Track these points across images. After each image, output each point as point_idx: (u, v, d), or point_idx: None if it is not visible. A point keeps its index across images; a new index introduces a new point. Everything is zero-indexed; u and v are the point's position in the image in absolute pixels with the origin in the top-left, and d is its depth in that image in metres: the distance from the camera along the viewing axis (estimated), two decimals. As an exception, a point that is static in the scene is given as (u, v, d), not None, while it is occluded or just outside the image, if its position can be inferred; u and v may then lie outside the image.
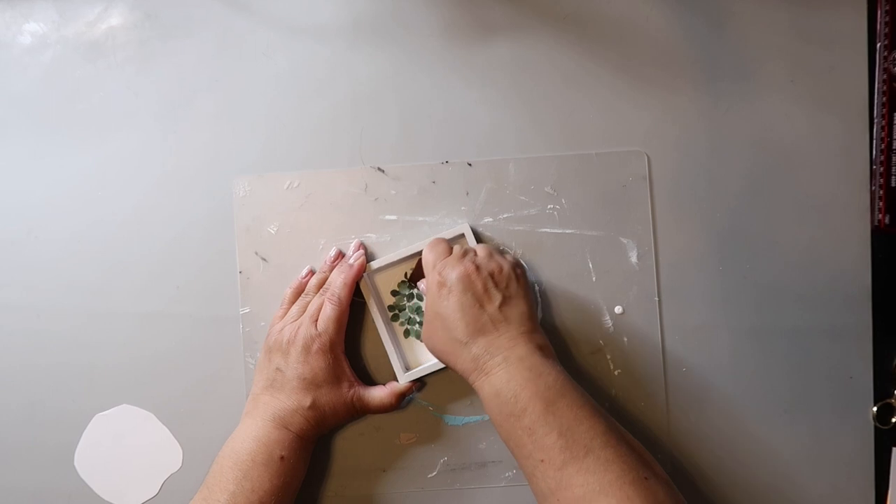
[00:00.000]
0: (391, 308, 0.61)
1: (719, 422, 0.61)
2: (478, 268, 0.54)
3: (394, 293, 0.61)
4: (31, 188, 0.63)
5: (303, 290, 0.61)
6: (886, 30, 0.60)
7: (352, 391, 0.58)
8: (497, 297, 0.53)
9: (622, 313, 0.61)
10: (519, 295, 0.54)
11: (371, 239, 0.62)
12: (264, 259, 0.62)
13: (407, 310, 0.61)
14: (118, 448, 0.62)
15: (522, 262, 0.60)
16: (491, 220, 0.62)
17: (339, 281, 0.59)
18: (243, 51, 0.63)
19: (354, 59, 0.63)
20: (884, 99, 0.60)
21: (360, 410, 0.59)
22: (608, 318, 0.61)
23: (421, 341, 0.60)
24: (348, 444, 0.61)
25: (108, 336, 0.62)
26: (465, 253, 0.55)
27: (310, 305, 0.59)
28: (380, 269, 0.61)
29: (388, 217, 0.62)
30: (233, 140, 0.63)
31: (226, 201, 0.62)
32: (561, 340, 0.61)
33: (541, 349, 0.52)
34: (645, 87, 0.62)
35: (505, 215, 0.62)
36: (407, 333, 0.61)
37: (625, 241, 0.61)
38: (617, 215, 0.61)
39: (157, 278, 0.62)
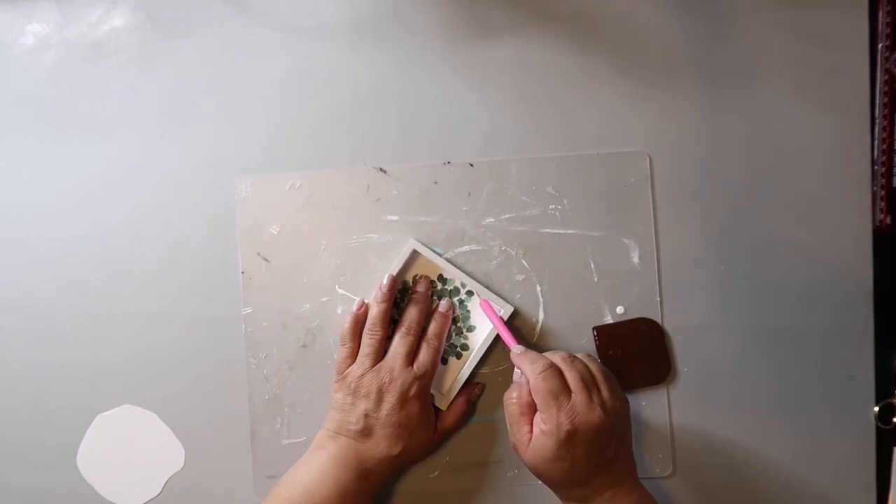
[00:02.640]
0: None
1: (720, 421, 0.61)
2: (608, 417, 0.51)
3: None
4: (33, 188, 0.63)
5: (362, 324, 0.59)
6: (888, 30, 0.60)
7: (437, 425, 0.59)
8: (616, 443, 0.53)
9: (624, 313, 0.61)
10: (630, 433, 0.55)
11: (373, 239, 0.62)
12: (266, 259, 0.62)
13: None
14: (120, 448, 0.62)
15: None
16: (493, 220, 0.62)
17: (434, 330, 0.59)
18: (245, 51, 0.63)
19: (356, 59, 0.63)
20: (885, 99, 0.60)
21: (440, 441, 0.60)
22: (610, 318, 0.61)
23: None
24: (350, 444, 0.61)
25: (110, 336, 0.62)
26: (589, 392, 0.52)
27: (396, 346, 0.58)
28: (427, 257, 0.61)
29: (389, 217, 0.62)
30: (235, 140, 0.63)
31: (228, 202, 0.62)
32: (562, 340, 0.61)
33: (639, 481, 0.54)
34: (646, 88, 0.62)
35: (507, 216, 0.62)
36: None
37: (626, 241, 0.61)
38: (618, 216, 0.61)
39: (159, 278, 0.62)
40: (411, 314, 0.59)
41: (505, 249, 0.62)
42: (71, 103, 0.63)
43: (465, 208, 0.62)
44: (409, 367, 0.57)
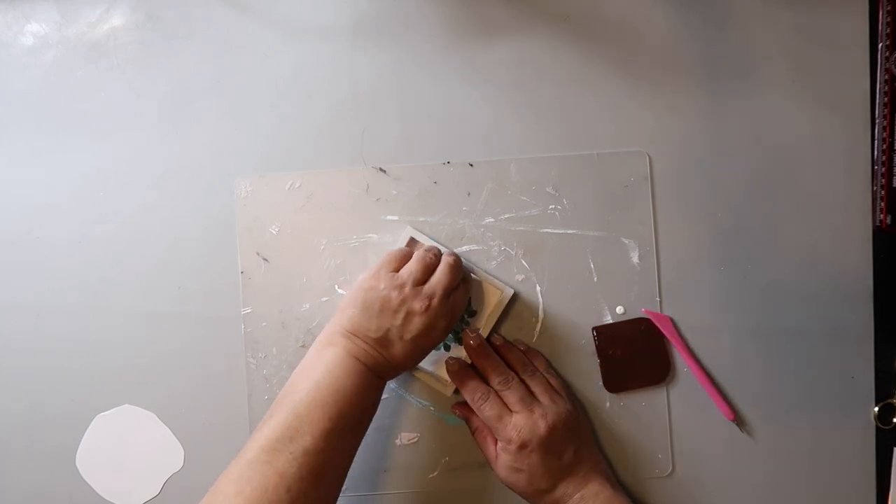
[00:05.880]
0: None
1: (720, 421, 0.61)
2: (553, 426, 0.55)
3: None
4: (32, 188, 0.63)
5: (406, 259, 0.58)
6: (888, 30, 0.60)
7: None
8: (572, 446, 0.56)
9: (624, 313, 0.61)
10: (588, 435, 0.59)
11: (373, 239, 0.62)
12: (266, 259, 0.62)
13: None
14: (120, 448, 0.62)
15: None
16: (492, 220, 0.62)
17: (459, 303, 0.58)
18: (245, 51, 0.63)
19: (356, 59, 0.63)
20: (885, 99, 0.60)
21: None
22: (610, 318, 0.61)
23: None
24: (350, 445, 0.61)
25: (109, 336, 0.62)
26: (530, 407, 0.56)
27: (440, 277, 0.56)
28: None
29: (389, 217, 0.62)
30: (234, 140, 0.63)
31: (227, 202, 0.62)
32: (562, 341, 0.61)
33: (608, 480, 0.57)
34: (646, 88, 0.62)
35: (506, 216, 0.62)
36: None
37: (626, 241, 0.61)
38: (618, 215, 0.61)
39: (159, 278, 0.62)
40: (453, 253, 0.59)
41: (504, 249, 0.62)
42: (70, 103, 0.63)
43: (464, 208, 0.62)
44: (446, 300, 0.55)
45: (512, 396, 0.57)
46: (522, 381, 0.58)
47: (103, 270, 0.63)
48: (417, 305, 0.54)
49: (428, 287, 0.55)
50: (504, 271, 0.62)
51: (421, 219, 0.62)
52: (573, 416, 0.57)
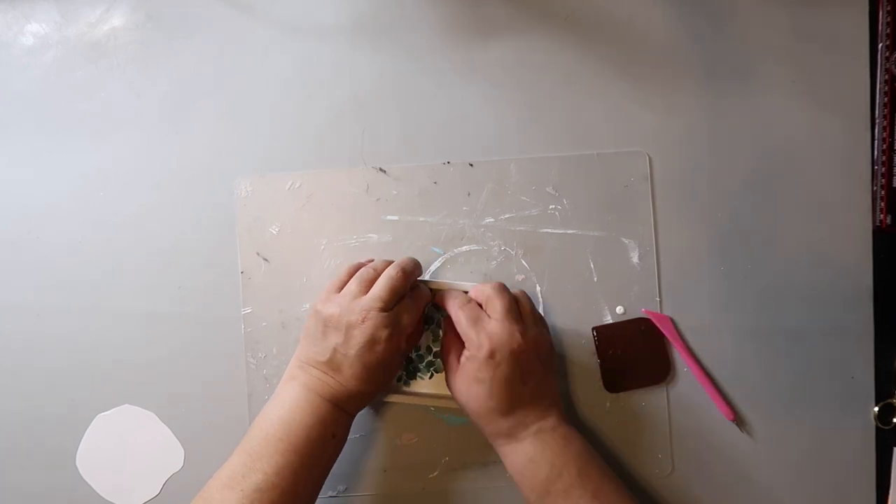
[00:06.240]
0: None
1: (720, 421, 0.61)
2: (527, 343, 0.53)
3: None
4: (32, 188, 0.63)
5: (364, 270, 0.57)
6: (888, 30, 0.60)
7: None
8: (538, 374, 0.54)
9: (624, 313, 0.61)
10: (552, 368, 0.57)
11: (373, 239, 0.62)
12: (266, 259, 0.62)
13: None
14: (120, 448, 0.62)
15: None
16: (492, 220, 0.62)
17: (416, 310, 0.56)
18: (245, 51, 0.63)
19: (356, 59, 0.63)
20: (885, 99, 0.60)
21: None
22: (610, 318, 0.61)
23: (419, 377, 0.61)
24: (349, 444, 0.61)
25: (109, 336, 0.62)
26: (510, 319, 0.54)
27: (378, 289, 0.54)
28: None
29: (389, 217, 0.62)
30: (234, 140, 0.63)
31: (227, 202, 0.62)
32: (562, 340, 0.61)
33: (564, 418, 0.55)
34: (646, 88, 0.62)
35: (506, 216, 0.62)
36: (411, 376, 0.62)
37: (626, 241, 0.61)
38: (618, 216, 0.61)
39: (159, 278, 0.62)
40: (405, 261, 0.57)
41: (505, 249, 0.62)
42: (70, 103, 0.63)
43: (464, 208, 0.62)
44: (388, 311, 0.54)
45: (498, 303, 0.54)
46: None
47: (103, 270, 0.63)
48: (354, 318, 0.53)
49: (364, 299, 0.54)
50: (504, 271, 0.62)
51: (421, 219, 0.62)
52: (549, 346, 0.56)
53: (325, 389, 0.54)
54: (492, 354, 0.53)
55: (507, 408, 0.53)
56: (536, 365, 0.54)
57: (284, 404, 0.53)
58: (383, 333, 0.53)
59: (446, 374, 0.56)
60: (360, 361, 0.53)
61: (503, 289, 0.56)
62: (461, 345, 0.55)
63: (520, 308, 0.56)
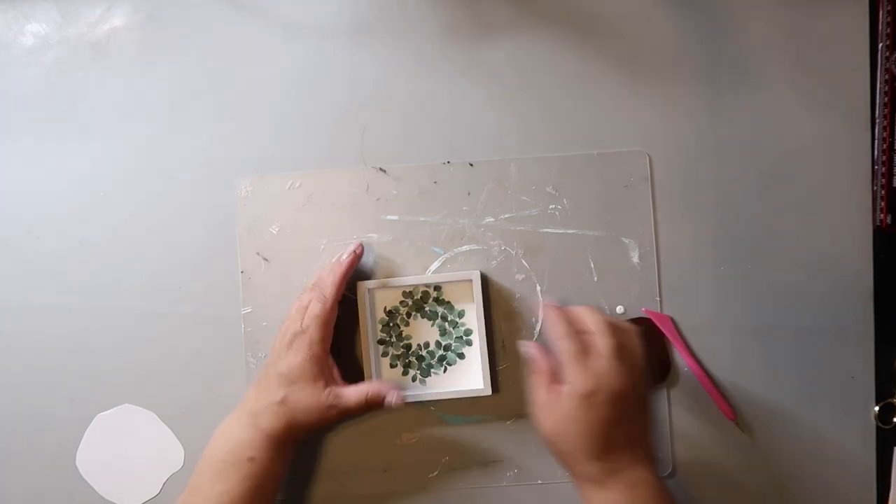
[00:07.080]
0: (381, 342, 0.61)
1: (720, 421, 0.61)
2: (633, 388, 0.50)
3: (388, 313, 0.61)
4: (32, 188, 0.63)
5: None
6: (888, 30, 0.60)
7: (328, 390, 0.55)
8: (637, 421, 0.52)
9: (624, 313, 0.61)
10: (651, 417, 0.53)
11: (373, 239, 0.62)
12: (266, 259, 0.62)
13: (393, 347, 0.61)
14: (120, 448, 0.62)
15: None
16: (492, 220, 0.62)
17: (327, 279, 0.57)
18: (245, 51, 0.63)
19: (356, 59, 0.63)
20: (885, 99, 0.60)
21: (336, 411, 0.55)
22: (610, 318, 0.61)
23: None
24: (349, 444, 0.61)
25: (109, 336, 0.62)
26: (620, 360, 0.51)
27: (298, 301, 0.58)
28: (381, 287, 0.61)
29: (389, 217, 0.62)
30: (234, 140, 0.63)
31: (227, 202, 0.62)
32: (562, 340, 0.61)
33: (656, 472, 0.52)
34: (646, 88, 0.62)
35: (506, 215, 0.62)
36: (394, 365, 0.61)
37: (626, 241, 0.61)
38: (618, 215, 0.61)
39: (159, 278, 0.62)
40: (322, 273, 0.58)
41: (505, 249, 0.62)
42: (70, 103, 0.63)
43: (465, 208, 0.62)
44: (300, 321, 0.56)
45: (608, 342, 0.51)
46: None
47: (103, 270, 0.63)
48: (280, 332, 0.57)
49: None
50: (504, 271, 0.62)
51: (421, 218, 0.62)
52: (650, 398, 0.53)
53: (244, 409, 0.56)
54: (592, 394, 0.50)
55: (601, 452, 0.50)
56: (638, 413, 0.52)
57: (216, 435, 0.56)
58: (295, 340, 0.56)
59: (534, 403, 0.53)
60: (276, 370, 0.56)
61: (615, 327, 0.53)
62: (555, 373, 0.52)
63: (631, 350, 0.52)
